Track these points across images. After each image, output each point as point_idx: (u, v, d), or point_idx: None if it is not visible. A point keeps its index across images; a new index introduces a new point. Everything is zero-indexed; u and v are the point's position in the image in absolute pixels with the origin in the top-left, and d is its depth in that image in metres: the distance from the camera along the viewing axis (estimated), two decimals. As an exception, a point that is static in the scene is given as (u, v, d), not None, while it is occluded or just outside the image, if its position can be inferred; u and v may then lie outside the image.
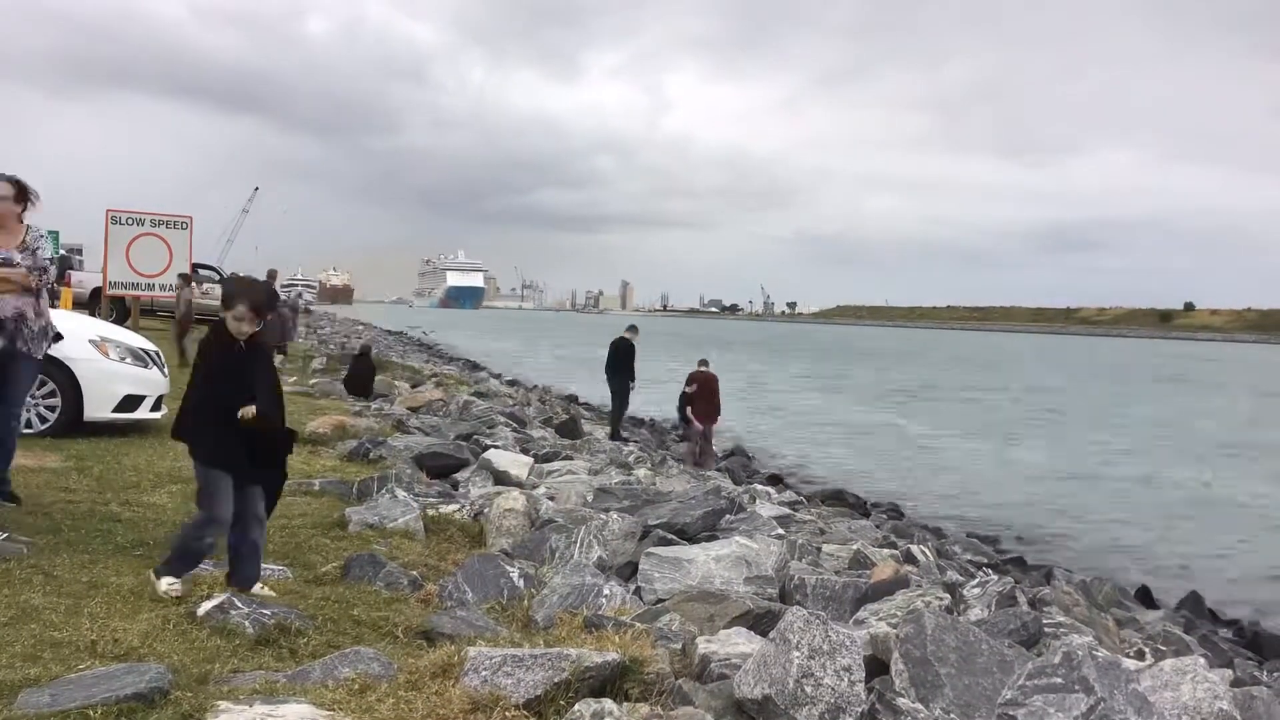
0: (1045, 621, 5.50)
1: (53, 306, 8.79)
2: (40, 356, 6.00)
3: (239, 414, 4.29)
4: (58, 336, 6.30)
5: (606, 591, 4.82)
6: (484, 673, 3.40)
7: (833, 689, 3.25)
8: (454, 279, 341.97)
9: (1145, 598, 11.09)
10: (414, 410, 14.01)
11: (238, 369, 4.37)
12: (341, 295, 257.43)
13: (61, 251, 32.04)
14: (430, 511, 6.70)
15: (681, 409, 16.61)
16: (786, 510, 10.50)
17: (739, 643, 3.98)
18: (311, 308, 69.05)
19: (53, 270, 6.23)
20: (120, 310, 22.70)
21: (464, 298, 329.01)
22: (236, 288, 4.51)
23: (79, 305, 21.29)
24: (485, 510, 6.81)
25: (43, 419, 8.71)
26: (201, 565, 5.10)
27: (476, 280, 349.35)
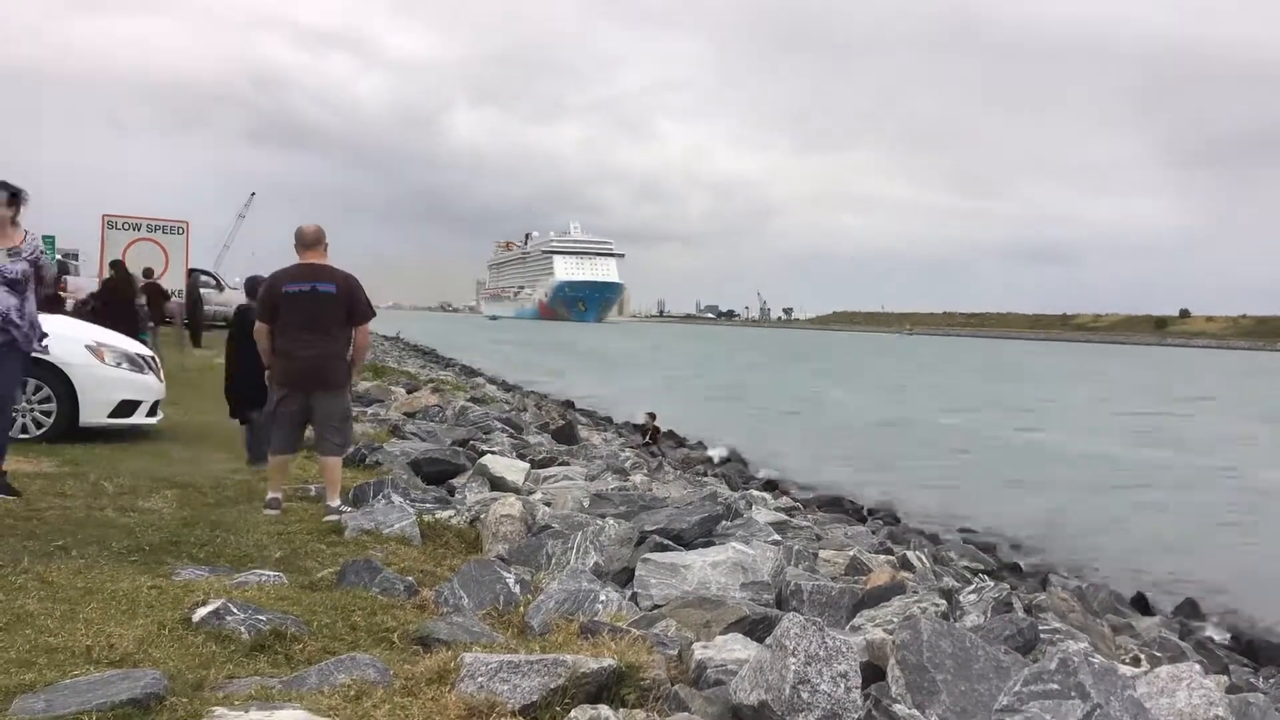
0: (1041, 628, 5.50)
1: (52, 311, 8.79)
2: (29, 350, 6.12)
3: None
4: (42, 336, 6.39)
5: (603, 597, 4.81)
6: (480, 679, 3.40)
7: (829, 695, 3.25)
8: (567, 270, 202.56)
9: (1141, 604, 11.10)
10: (410, 416, 14.00)
11: None
12: None
13: (57, 257, 32.04)
14: (426, 517, 6.69)
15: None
16: (783, 516, 10.49)
17: (735, 649, 3.98)
18: None
19: (52, 272, 6.36)
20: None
21: (588, 300, 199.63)
22: None
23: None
24: (481, 516, 6.80)
25: (38, 424, 8.70)
26: (198, 571, 5.10)
27: (607, 271, 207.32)
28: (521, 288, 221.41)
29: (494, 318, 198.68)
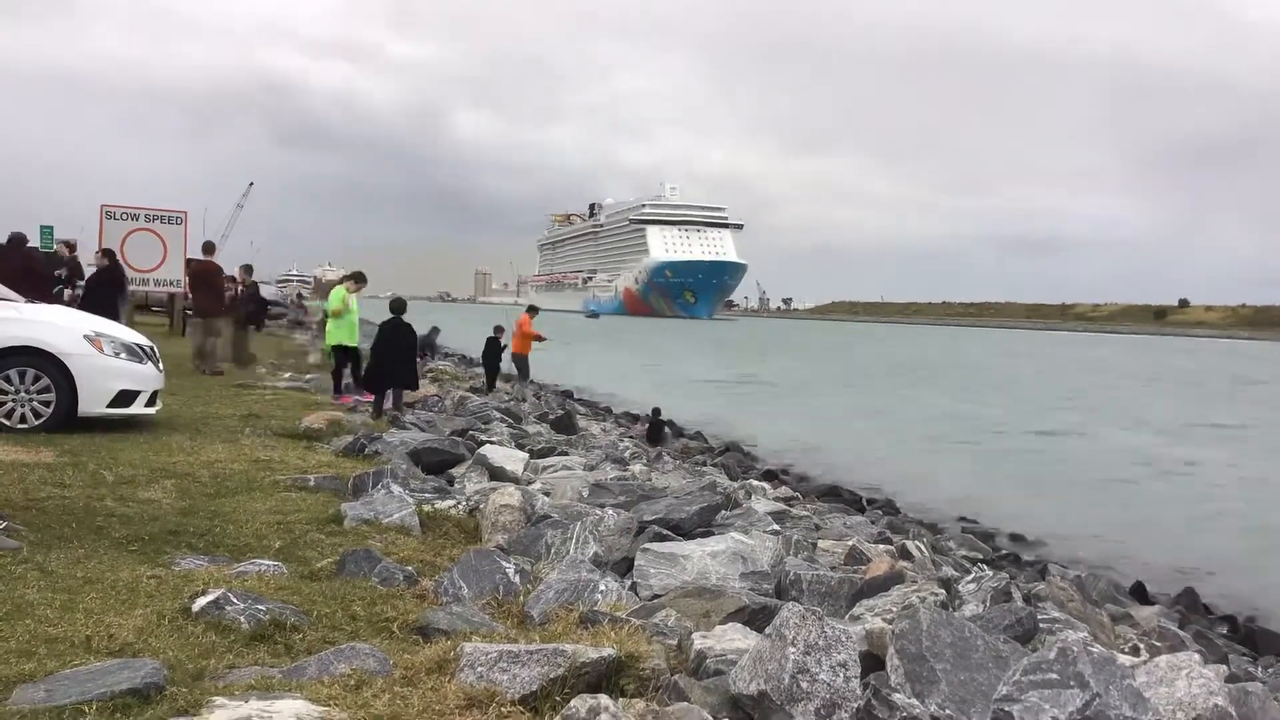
0: (1040, 617, 5.51)
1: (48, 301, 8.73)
2: None
3: None
4: None
5: (602, 587, 4.81)
6: (480, 668, 3.40)
7: (828, 685, 3.26)
8: (667, 247, 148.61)
9: (1140, 593, 11.10)
10: (409, 406, 14.00)
11: None
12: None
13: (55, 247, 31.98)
14: (426, 507, 6.70)
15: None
16: (782, 506, 10.49)
17: (735, 638, 3.98)
18: (307, 303, 68.77)
19: None
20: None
21: (698, 287, 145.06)
22: None
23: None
24: (481, 506, 6.80)
25: (37, 414, 8.69)
26: (197, 561, 5.10)
27: (722, 248, 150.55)
28: (594, 272, 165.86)
29: (593, 314, 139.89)
